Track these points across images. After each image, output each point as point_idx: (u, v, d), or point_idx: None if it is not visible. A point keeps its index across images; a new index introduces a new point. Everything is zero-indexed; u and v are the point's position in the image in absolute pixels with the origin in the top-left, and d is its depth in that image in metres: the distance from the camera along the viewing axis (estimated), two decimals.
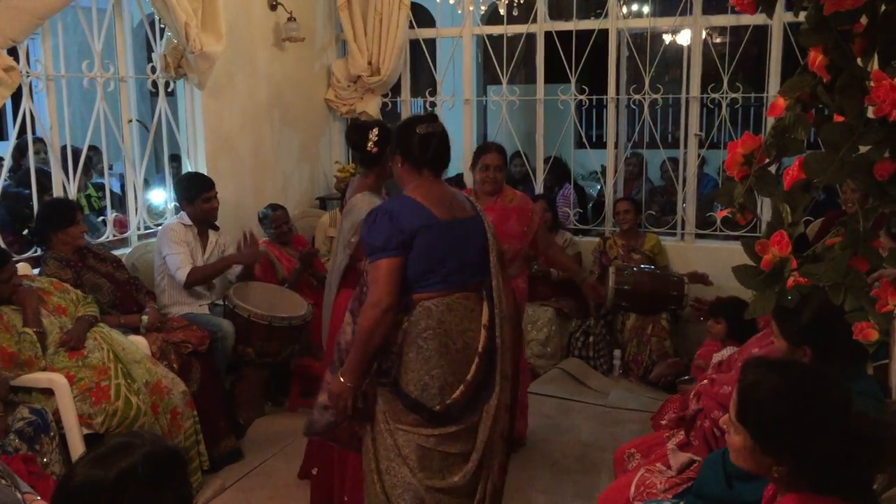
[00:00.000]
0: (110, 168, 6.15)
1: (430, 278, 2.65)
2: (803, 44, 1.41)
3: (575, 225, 6.13)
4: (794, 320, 2.36)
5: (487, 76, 8.66)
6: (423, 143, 2.74)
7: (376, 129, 3.50)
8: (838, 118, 1.40)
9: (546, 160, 6.19)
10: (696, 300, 5.06)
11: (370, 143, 3.48)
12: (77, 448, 3.34)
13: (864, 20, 1.37)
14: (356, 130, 3.58)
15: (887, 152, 1.34)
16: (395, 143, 2.83)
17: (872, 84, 1.30)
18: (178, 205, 4.71)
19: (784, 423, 1.68)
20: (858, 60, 1.39)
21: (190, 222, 4.49)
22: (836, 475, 1.66)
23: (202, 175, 4.75)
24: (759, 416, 1.72)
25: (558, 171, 6.56)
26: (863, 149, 1.36)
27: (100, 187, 5.93)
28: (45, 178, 4.45)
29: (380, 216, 2.65)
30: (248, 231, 4.67)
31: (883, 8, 1.36)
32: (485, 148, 4.25)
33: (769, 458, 1.71)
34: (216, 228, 4.64)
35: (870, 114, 1.34)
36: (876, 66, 1.38)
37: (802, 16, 1.43)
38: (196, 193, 4.48)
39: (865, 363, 2.87)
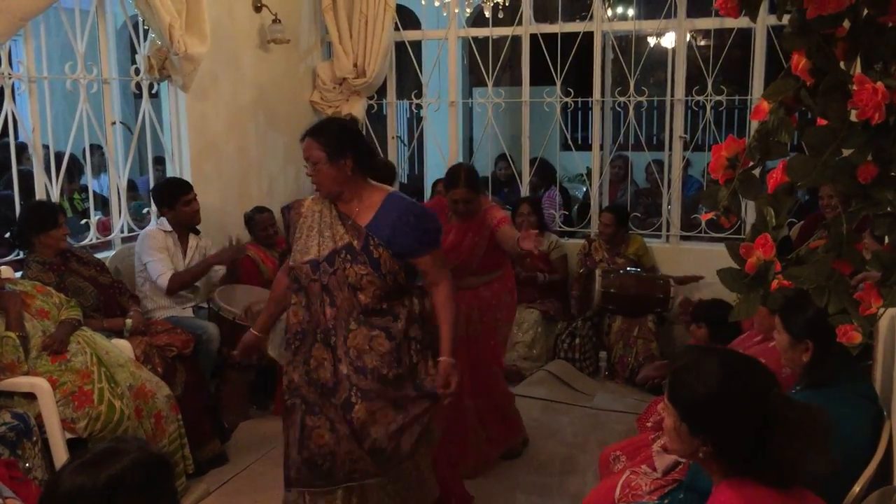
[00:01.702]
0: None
1: None
2: (787, 47, 1.42)
3: (560, 227, 6.14)
4: (799, 314, 2.38)
5: (473, 78, 8.67)
6: (375, 153, 3.06)
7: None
8: (821, 121, 1.40)
9: (532, 162, 6.20)
10: (683, 302, 5.08)
11: None
12: (60, 453, 3.31)
13: (846, 24, 1.38)
14: None
15: (870, 155, 1.34)
16: (349, 146, 2.87)
17: (855, 87, 1.31)
18: (157, 211, 4.69)
19: (708, 402, 1.74)
20: (841, 64, 1.40)
21: (170, 228, 4.47)
22: (756, 457, 1.71)
23: (178, 179, 4.75)
24: (686, 396, 1.78)
25: (544, 173, 6.58)
26: (846, 152, 1.37)
27: (83, 189, 5.89)
28: (30, 180, 4.42)
29: (424, 210, 3.04)
30: (235, 237, 4.65)
31: (865, 12, 1.37)
32: (454, 180, 3.95)
33: (696, 438, 1.76)
34: (197, 232, 4.62)
35: (853, 117, 1.35)
36: (859, 69, 1.39)
37: (786, 19, 1.44)
38: (175, 198, 4.46)
39: (867, 358, 2.90)
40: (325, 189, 2.91)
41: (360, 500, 2.93)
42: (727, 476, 1.75)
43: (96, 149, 5.27)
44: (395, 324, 2.86)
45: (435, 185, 5.99)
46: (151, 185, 5.13)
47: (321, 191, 2.92)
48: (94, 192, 5.12)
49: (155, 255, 4.35)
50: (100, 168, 5.98)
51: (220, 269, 4.68)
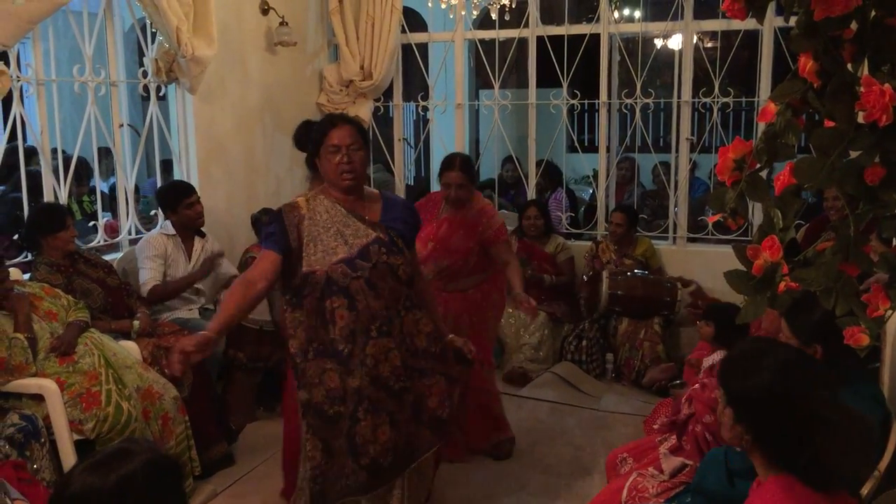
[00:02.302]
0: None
1: None
2: (794, 49, 1.42)
3: (567, 229, 6.14)
4: (806, 318, 2.37)
5: (479, 81, 8.67)
6: None
7: None
8: (829, 123, 1.40)
9: (538, 165, 6.20)
10: (693, 303, 5.08)
11: None
12: (68, 454, 3.32)
13: (854, 25, 1.37)
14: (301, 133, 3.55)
15: (877, 157, 1.34)
16: None
17: (862, 89, 1.31)
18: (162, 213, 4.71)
19: (754, 395, 1.77)
20: (849, 66, 1.39)
21: (173, 231, 4.48)
22: (797, 455, 1.71)
23: (182, 182, 4.77)
24: (735, 383, 1.81)
25: (551, 174, 6.57)
26: (853, 154, 1.36)
27: (92, 191, 5.91)
28: (38, 180, 4.43)
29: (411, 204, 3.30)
30: (211, 251, 4.65)
31: (873, 13, 1.36)
32: (448, 163, 3.98)
33: (738, 425, 1.79)
34: (202, 235, 4.64)
35: (860, 119, 1.34)
36: (866, 71, 1.39)
37: (793, 21, 1.44)
38: (177, 201, 4.48)
39: (875, 361, 2.90)
40: (360, 177, 2.95)
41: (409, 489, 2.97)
42: (770, 469, 1.77)
43: (104, 151, 5.29)
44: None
45: None
46: (159, 187, 5.15)
47: (356, 180, 2.91)
48: (103, 193, 5.13)
49: (146, 262, 4.38)
50: (108, 171, 6.01)
51: (231, 269, 4.70)
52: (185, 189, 4.57)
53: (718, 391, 1.87)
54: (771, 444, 1.76)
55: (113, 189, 5.28)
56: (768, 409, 1.74)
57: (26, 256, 4.15)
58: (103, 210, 4.86)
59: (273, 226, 2.91)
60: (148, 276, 4.36)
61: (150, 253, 4.39)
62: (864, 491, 2.15)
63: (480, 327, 4.13)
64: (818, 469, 1.69)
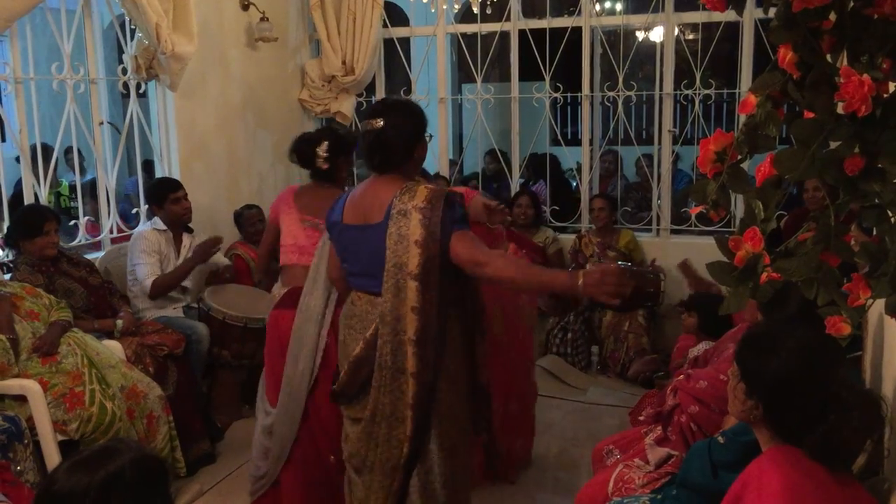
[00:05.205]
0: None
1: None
2: (773, 41, 1.42)
3: (551, 221, 6.14)
4: (781, 310, 2.39)
5: (462, 75, 8.67)
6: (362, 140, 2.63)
7: (325, 143, 3.32)
8: (809, 114, 1.41)
9: (522, 158, 6.20)
10: (682, 302, 5.11)
11: (319, 160, 3.30)
12: (52, 455, 3.30)
13: (832, 16, 1.38)
14: (302, 147, 3.39)
15: (857, 148, 1.35)
16: None
17: (842, 80, 1.32)
18: (149, 209, 4.68)
19: (770, 374, 1.80)
20: (828, 57, 1.40)
21: (164, 227, 4.46)
22: (806, 432, 1.75)
23: (169, 178, 4.76)
24: (752, 361, 1.84)
25: (538, 167, 6.58)
26: (833, 144, 1.37)
27: (72, 188, 5.87)
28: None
29: None
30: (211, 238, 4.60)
31: (851, 4, 1.37)
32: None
33: (749, 399, 1.83)
34: (190, 231, 4.61)
35: (839, 110, 1.35)
36: (845, 62, 1.39)
37: (773, 12, 1.44)
38: (164, 195, 4.46)
39: (857, 350, 2.92)
40: None
41: None
42: (775, 442, 1.81)
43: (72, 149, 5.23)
44: None
45: (435, 176, 5.99)
46: (141, 186, 5.11)
47: None
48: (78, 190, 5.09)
49: (143, 258, 4.34)
50: (81, 168, 5.95)
51: (220, 262, 4.68)
52: (172, 184, 4.55)
53: (733, 366, 1.89)
54: (783, 421, 1.79)
55: (93, 186, 5.24)
56: (786, 389, 1.78)
57: (7, 256, 4.11)
58: (83, 207, 4.81)
59: None
60: (148, 271, 4.32)
61: (145, 248, 4.35)
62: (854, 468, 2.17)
63: (517, 315, 3.91)
64: (828, 445, 1.73)
